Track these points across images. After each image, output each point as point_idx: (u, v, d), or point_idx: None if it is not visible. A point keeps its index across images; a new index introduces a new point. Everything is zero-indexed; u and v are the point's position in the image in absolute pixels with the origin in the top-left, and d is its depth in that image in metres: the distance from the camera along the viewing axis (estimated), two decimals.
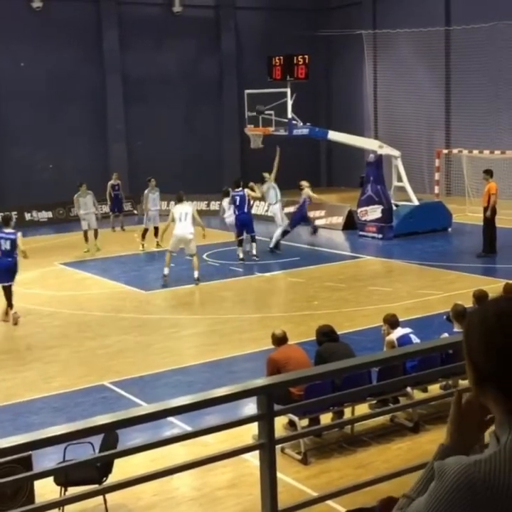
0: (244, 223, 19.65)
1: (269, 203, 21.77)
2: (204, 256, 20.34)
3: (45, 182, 28.59)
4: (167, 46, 31.26)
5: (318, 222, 21.84)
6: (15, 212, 26.66)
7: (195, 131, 32.08)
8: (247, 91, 22.90)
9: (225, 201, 21.46)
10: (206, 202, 28.76)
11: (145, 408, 4.97)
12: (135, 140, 30.75)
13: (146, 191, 21.95)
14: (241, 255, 19.52)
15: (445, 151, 28.49)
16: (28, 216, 27.29)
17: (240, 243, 19.67)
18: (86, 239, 21.28)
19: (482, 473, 1.84)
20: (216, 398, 4.11)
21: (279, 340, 9.31)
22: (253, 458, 7.68)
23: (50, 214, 27.62)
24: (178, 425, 8.98)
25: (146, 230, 21.81)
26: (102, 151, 30.12)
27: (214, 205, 28.29)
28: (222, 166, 32.60)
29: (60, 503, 4.83)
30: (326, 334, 9.41)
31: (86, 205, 21.33)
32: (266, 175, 21.47)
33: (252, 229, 19.73)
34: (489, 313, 1.96)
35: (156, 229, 21.69)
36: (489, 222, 18.81)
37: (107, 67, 30.04)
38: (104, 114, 30.19)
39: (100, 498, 7.14)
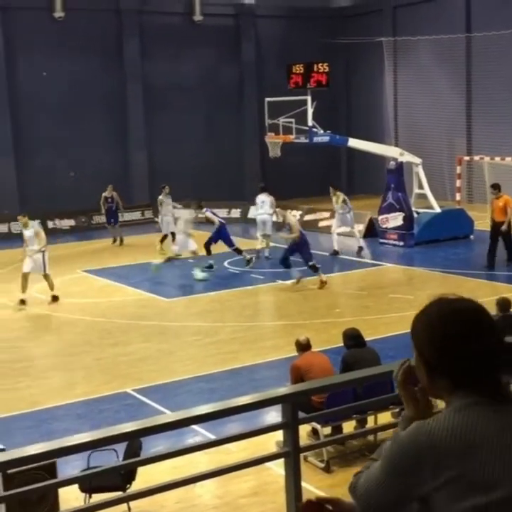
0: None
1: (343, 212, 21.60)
2: (225, 263, 20.41)
3: (67, 190, 28.80)
4: (187, 55, 31.39)
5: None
6: (38, 221, 26.93)
7: (216, 139, 32.17)
8: (267, 99, 22.97)
9: (259, 198, 21.64)
10: (227, 209, 28.84)
11: (168, 416, 5.00)
12: (155, 148, 30.90)
13: (160, 197, 22.48)
14: (248, 256, 19.71)
15: (466, 158, 28.36)
16: (50, 224, 27.46)
17: (239, 251, 19.88)
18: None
19: (427, 431, 2.17)
20: (240, 406, 4.13)
21: (303, 346, 9.33)
22: (275, 466, 7.69)
23: (72, 222, 27.80)
24: (200, 433, 9.01)
25: (164, 237, 22.16)
26: (122, 158, 30.31)
27: (235, 213, 28.37)
28: (243, 173, 32.67)
29: (85, 511, 4.86)
30: (353, 338, 9.42)
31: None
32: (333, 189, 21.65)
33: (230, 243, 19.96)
34: (433, 312, 2.29)
35: (173, 234, 22.00)
36: (508, 233, 18.64)
37: (127, 76, 30.25)
38: (124, 122, 30.39)
39: (124, 505, 7.17)
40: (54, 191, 28.35)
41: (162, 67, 30.77)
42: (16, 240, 24.02)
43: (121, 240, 24.42)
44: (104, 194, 24.47)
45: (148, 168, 30.60)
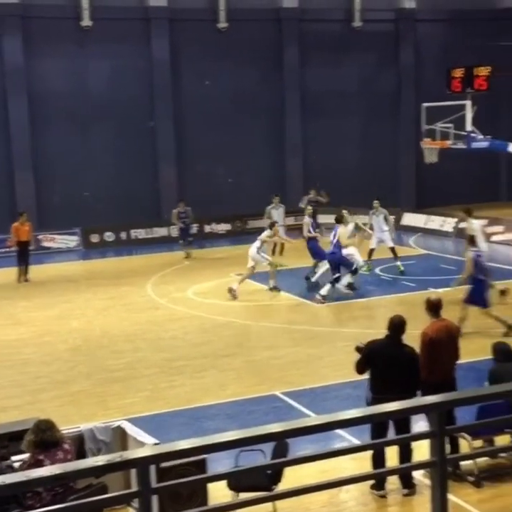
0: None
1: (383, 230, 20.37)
2: (377, 270, 20.24)
3: (224, 196, 29.56)
4: (345, 61, 31.43)
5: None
6: (196, 225, 27.88)
7: (371, 144, 32.00)
8: (424, 104, 22.62)
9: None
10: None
11: (315, 419, 5.05)
12: (311, 154, 31.13)
13: (268, 208, 22.65)
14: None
15: None
16: (207, 228, 28.34)
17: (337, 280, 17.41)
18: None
19: None
20: (387, 413, 4.12)
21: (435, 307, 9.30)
22: (421, 476, 7.57)
23: (228, 226, 28.48)
24: (347, 439, 8.99)
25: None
26: (279, 164, 30.75)
27: None
28: (398, 180, 32.34)
29: (232, 507, 4.98)
30: (503, 352, 9.17)
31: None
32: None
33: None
34: None
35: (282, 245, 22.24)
36: None
37: (286, 84, 30.62)
38: (282, 129, 30.81)
39: (270, 505, 7.29)
40: (212, 197, 29.17)
41: (320, 74, 30.98)
42: (173, 243, 25.00)
43: (188, 255, 24.03)
44: (176, 210, 23.99)
45: (303, 174, 30.86)
